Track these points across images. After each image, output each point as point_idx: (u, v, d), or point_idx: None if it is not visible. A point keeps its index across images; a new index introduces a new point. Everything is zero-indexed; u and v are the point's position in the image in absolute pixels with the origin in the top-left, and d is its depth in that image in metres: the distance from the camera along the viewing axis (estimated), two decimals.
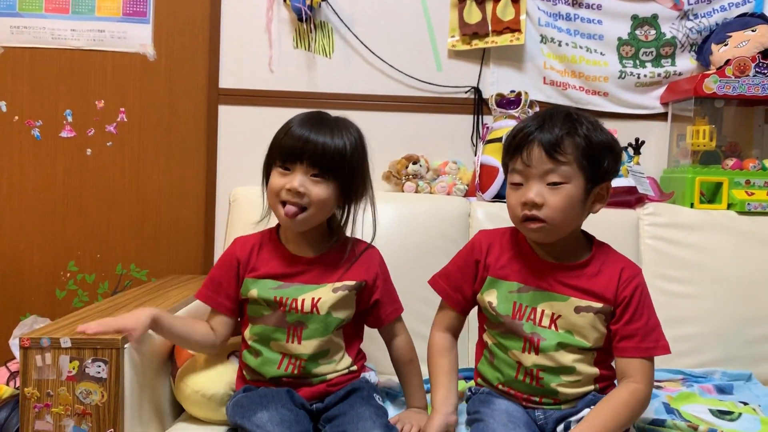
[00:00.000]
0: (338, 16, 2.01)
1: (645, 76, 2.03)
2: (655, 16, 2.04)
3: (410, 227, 1.79)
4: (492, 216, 1.79)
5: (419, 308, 1.67)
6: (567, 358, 1.19)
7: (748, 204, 1.80)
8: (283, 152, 1.20)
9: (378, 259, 1.34)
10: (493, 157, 1.87)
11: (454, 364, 1.30)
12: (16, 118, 2.07)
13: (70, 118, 2.08)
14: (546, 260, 1.23)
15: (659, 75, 2.03)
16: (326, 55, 2.05)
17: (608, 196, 1.22)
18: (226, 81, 2.05)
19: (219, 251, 2.02)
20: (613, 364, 1.22)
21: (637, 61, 2.05)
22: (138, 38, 2.08)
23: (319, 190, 1.20)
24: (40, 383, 1.14)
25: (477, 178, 1.90)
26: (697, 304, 1.75)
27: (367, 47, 2.03)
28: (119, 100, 2.09)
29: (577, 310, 1.19)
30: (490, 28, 2.00)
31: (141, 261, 2.12)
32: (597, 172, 1.16)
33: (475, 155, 1.97)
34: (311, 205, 1.20)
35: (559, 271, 1.22)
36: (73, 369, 1.14)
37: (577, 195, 1.15)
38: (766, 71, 1.82)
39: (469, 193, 1.95)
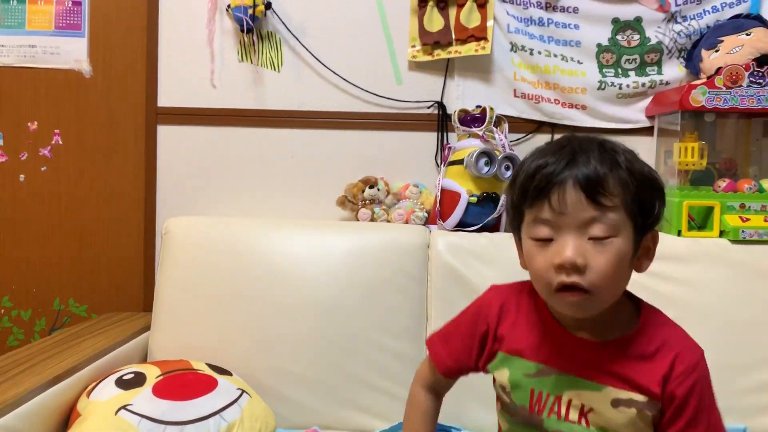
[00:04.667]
0: (286, 26, 1.83)
1: (628, 86, 1.82)
2: (638, 19, 1.82)
3: (360, 261, 1.59)
4: (454, 247, 1.60)
5: (370, 354, 1.50)
6: None
7: (743, 231, 1.59)
8: None
9: None
10: (455, 181, 1.68)
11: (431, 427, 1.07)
12: None
13: (1, 142, 1.92)
14: (575, 335, 0.94)
15: (644, 85, 1.82)
16: (275, 69, 1.86)
17: (655, 249, 0.93)
18: (165, 99, 1.87)
19: (160, 285, 1.83)
20: None
21: (619, 70, 1.83)
22: (72, 53, 1.91)
23: None
24: None
25: (438, 205, 1.71)
26: None
27: (318, 60, 1.84)
28: (54, 121, 1.92)
29: (616, 403, 0.91)
30: (453, 37, 1.81)
31: (80, 296, 1.95)
32: (646, 219, 0.88)
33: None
34: None
35: (592, 349, 0.93)
36: None
37: (626, 252, 0.86)
38: (761, 80, 1.61)
39: (430, 221, 1.76)
